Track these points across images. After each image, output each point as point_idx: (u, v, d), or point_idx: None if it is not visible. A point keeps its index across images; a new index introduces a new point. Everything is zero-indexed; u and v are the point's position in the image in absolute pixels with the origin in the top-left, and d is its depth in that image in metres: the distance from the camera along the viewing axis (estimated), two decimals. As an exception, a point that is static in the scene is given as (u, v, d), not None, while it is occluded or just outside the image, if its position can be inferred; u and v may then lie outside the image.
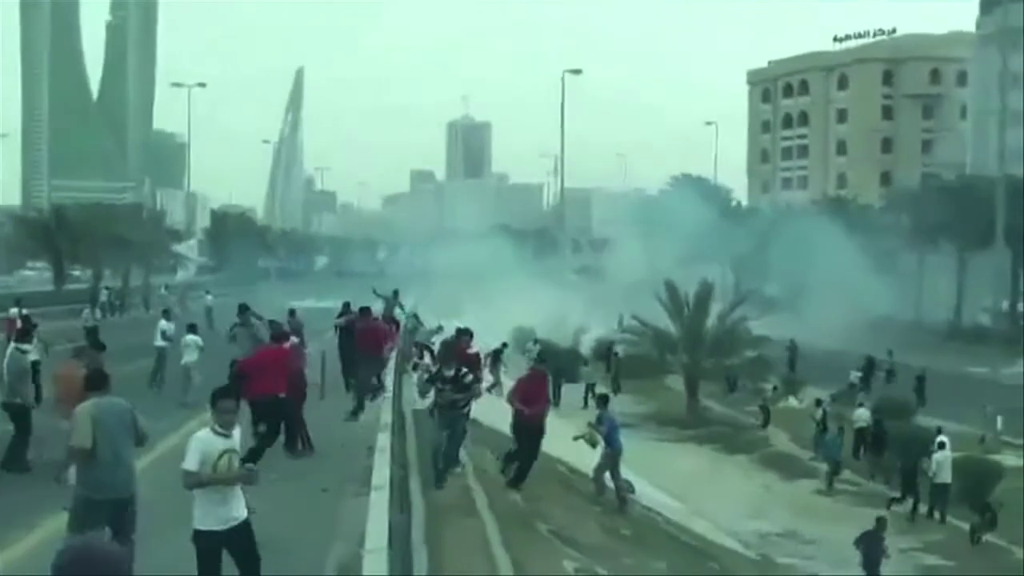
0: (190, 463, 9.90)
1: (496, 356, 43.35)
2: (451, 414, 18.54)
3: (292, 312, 33.50)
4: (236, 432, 10.26)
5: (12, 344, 19.89)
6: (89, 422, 11.48)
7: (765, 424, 44.05)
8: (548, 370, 23.04)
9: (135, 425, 11.83)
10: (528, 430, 19.33)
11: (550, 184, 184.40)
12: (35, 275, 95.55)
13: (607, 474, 23.02)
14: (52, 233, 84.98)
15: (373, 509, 12.73)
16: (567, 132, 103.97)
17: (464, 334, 22.78)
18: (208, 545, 9.96)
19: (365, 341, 26.77)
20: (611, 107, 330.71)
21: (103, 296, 70.27)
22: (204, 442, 9.98)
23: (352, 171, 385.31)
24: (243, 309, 27.28)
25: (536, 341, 49.27)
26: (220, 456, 9.94)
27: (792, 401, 47.47)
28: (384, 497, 12.87)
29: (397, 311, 40.04)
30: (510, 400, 19.73)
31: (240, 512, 10.16)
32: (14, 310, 38.65)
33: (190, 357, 29.31)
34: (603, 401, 25.37)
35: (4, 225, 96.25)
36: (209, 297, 62.67)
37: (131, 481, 11.68)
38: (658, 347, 50.33)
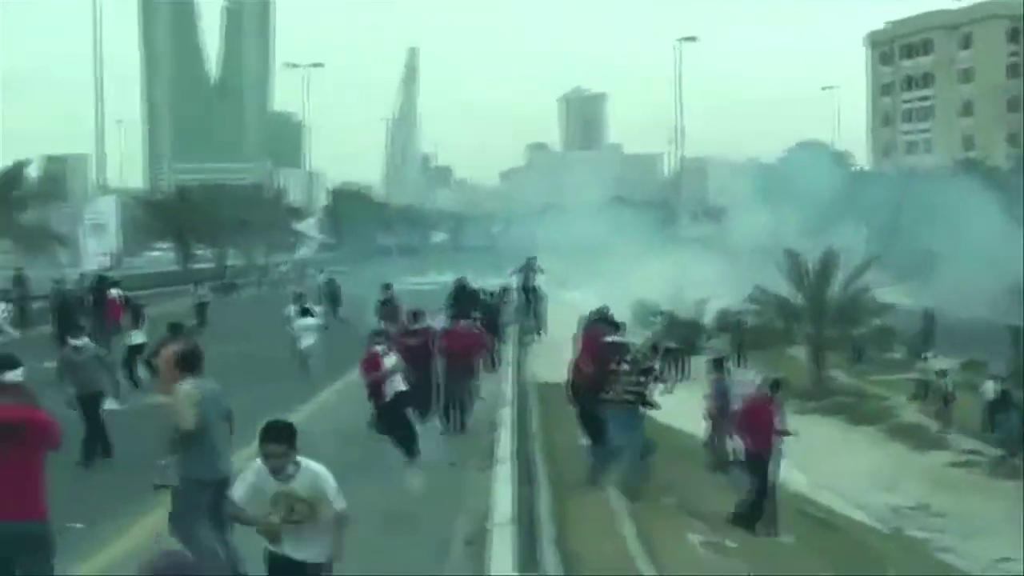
0: (236, 492, 8.80)
1: (671, 352, 40.27)
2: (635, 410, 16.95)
3: (387, 287, 33.01)
4: (302, 472, 8.60)
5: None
6: (191, 404, 11.52)
7: (920, 398, 42.10)
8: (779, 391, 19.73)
9: (225, 406, 11.88)
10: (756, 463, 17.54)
11: (667, 154, 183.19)
12: (161, 255, 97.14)
13: (727, 441, 22.66)
14: (177, 215, 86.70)
15: (498, 483, 12.62)
16: (682, 101, 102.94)
17: (599, 321, 19.66)
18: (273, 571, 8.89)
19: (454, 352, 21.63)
20: (726, 74, 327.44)
21: (227, 276, 71.29)
22: (257, 476, 8.66)
23: (468, 146, 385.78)
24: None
25: (660, 313, 48.24)
26: (273, 499, 8.57)
27: (931, 370, 45.89)
28: (509, 471, 12.76)
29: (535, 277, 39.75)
30: (737, 428, 17.91)
31: (307, 554, 8.72)
32: (114, 291, 38.88)
33: (308, 341, 28.92)
34: (717, 366, 25.03)
35: (131, 208, 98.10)
36: (322, 275, 62.89)
37: (228, 462, 11.61)
38: (782, 317, 49.68)
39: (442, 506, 14.89)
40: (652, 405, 17.37)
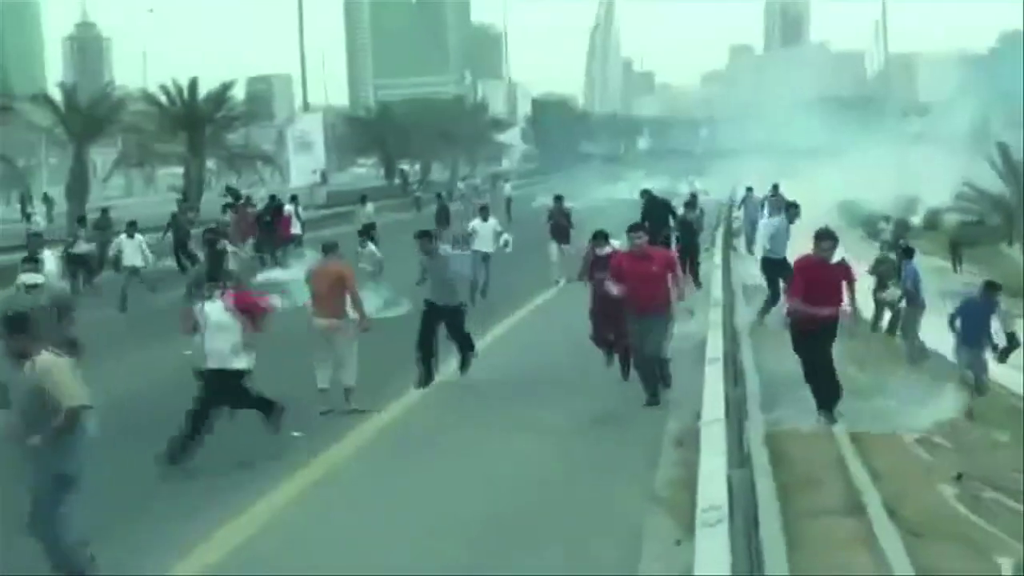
0: None
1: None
2: None
3: (559, 199, 31.24)
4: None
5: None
6: (73, 375, 8.99)
7: None
8: None
9: None
10: None
11: (873, 51, 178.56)
12: (365, 171, 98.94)
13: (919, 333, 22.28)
14: (380, 130, 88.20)
15: (708, 382, 12.72)
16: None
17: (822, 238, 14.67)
18: None
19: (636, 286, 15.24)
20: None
21: (415, 190, 71.10)
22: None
23: (669, 51, 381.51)
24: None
25: (888, 219, 45.10)
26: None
27: None
28: (718, 370, 12.85)
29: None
30: None
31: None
32: (288, 207, 37.89)
33: (485, 248, 27.11)
34: (907, 253, 24.71)
35: (335, 126, 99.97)
36: (508, 186, 62.70)
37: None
38: (994, 214, 48.38)
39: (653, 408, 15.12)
40: None
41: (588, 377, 16.91)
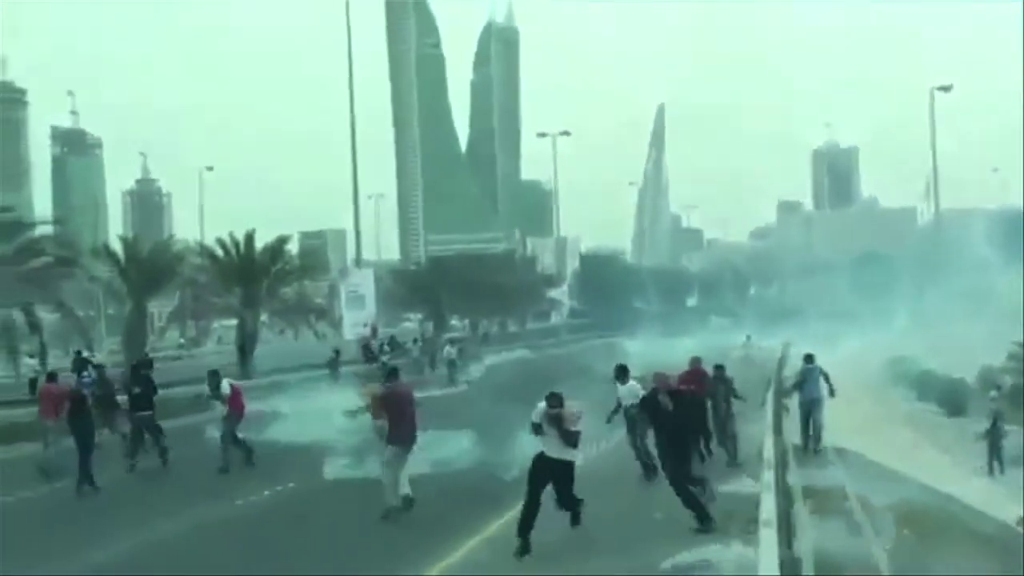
0: None
1: None
2: None
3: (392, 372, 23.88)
4: None
5: None
6: None
7: None
8: None
9: None
10: None
11: (923, 208, 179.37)
12: (413, 326, 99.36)
13: None
14: (430, 284, 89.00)
15: (763, 548, 12.51)
16: (939, 151, 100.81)
17: None
18: None
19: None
20: (984, 122, 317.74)
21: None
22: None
23: (717, 206, 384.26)
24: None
25: (999, 388, 42.09)
26: None
27: None
28: (772, 535, 12.64)
29: None
30: None
31: None
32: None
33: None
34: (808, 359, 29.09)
35: (384, 279, 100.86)
36: (454, 350, 59.52)
37: None
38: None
39: None
40: None
41: (635, 534, 16.59)
